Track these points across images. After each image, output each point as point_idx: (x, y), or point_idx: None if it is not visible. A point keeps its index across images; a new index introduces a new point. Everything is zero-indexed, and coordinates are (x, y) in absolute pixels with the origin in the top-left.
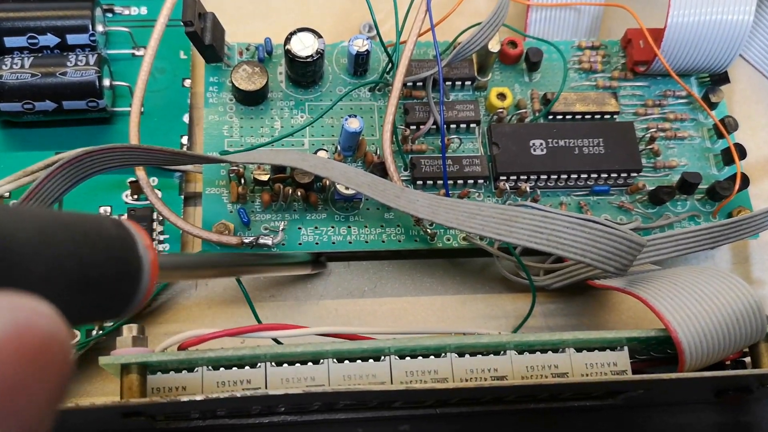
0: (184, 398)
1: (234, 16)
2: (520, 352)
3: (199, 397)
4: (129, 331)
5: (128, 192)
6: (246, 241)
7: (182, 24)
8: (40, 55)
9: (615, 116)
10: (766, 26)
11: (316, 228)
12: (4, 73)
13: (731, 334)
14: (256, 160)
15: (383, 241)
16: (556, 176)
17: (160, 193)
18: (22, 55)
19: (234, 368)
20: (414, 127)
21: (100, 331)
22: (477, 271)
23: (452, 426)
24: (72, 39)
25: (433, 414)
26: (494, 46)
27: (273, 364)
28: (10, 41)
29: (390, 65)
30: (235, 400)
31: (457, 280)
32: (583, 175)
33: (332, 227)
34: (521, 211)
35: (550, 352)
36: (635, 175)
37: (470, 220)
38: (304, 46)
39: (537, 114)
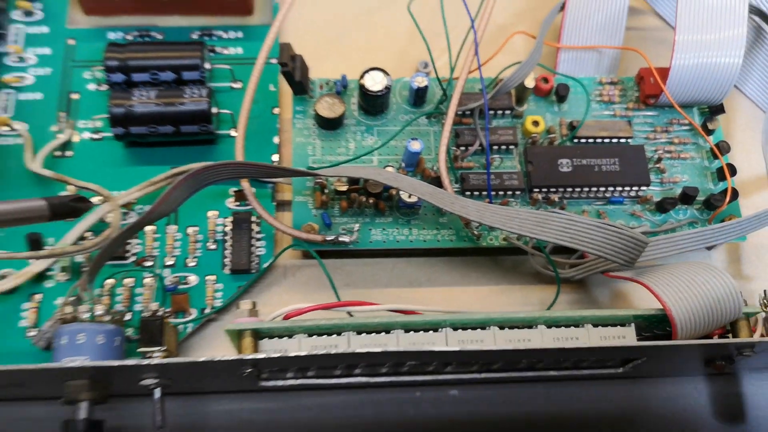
0: (291, 354)
1: (314, 56)
2: (548, 327)
3: (302, 353)
4: (245, 305)
5: (231, 199)
6: (328, 239)
7: (279, 64)
8: (161, 88)
9: (629, 140)
10: (760, 64)
11: (383, 229)
12: (134, 103)
13: (715, 311)
14: (339, 173)
15: (438, 241)
16: (579, 189)
17: None
18: (148, 89)
19: (324, 336)
20: (463, 148)
21: (212, 309)
22: (514, 266)
23: (492, 391)
24: (186, 75)
25: (477, 379)
26: (530, 83)
27: (354, 333)
28: (136, 76)
29: (444, 97)
30: (329, 356)
31: (497, 273)
32: (601, 189)
33: (396, 229)
34: (551, 215)
35: (572, 327)
36: (645, 188)
37: (510, 221)
38: (375, 82)
39: (564, 138)
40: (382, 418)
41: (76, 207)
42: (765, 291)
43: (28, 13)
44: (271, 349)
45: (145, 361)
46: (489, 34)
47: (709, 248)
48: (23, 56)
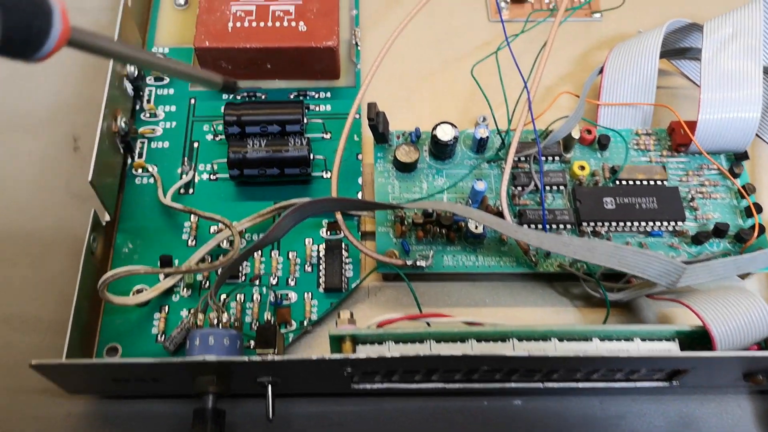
0: (388, 355)
1: (390, 110)
2: (602, 340)
3: (397, 354)
4: (345, 315)
5: (324, 229)
6: (408, 263)
7: (368, 119)
8: (269, 138)
9: (664, 182)
10: None
11: (453, 255)
12: (248, 150)
13: (750, 328)
14: (420, 206)
15: (500, 266)
16: (623, 224)
17: None
18: (259, 139)
19: (409, 342)
20: (520, 188)
21: (309, 321)
22: (567, 290)
23: (552, 402)
24: (289, 128)
25: (539, 389)
26: (575, 133)
27: (434, 341)
28: (249, 129)
29: (502, 145)
30: (417, 358)
31: (552, 296)
32: (642, 223)
33: (465, 255)
34: (600, 243)
35: (623, 340)
36: (681, 223)
37: (565, 247)
38: (445, 133)
39: (607, 180)
40: (454, 424)
41: (233, 87)
42: None
43: (159, 79)
44: (366, 352)
45: (269, 357)
46: (538, 94)
47: (743, 277)
48: (155, 112)
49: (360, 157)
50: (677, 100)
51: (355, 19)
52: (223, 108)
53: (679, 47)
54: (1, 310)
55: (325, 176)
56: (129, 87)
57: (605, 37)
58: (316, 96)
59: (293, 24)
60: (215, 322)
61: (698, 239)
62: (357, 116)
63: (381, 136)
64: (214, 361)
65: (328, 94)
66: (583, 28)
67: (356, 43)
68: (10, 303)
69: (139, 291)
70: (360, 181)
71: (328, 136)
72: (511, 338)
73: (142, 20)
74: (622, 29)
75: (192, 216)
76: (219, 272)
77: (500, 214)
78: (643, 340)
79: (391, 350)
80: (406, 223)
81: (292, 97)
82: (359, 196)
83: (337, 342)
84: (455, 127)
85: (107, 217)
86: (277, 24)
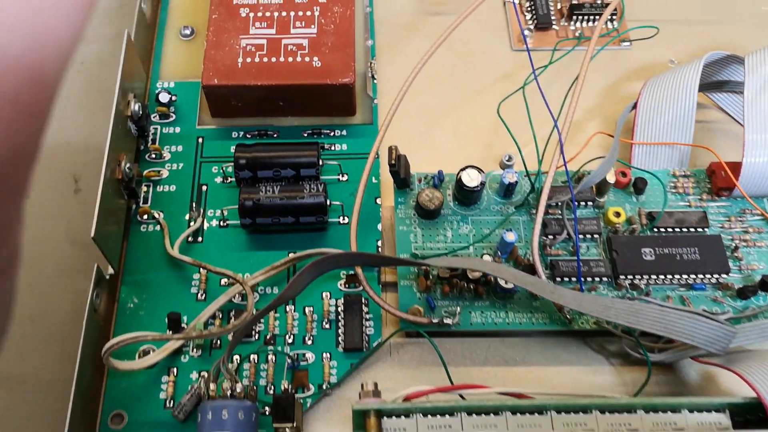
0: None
1: (409, 149)
2: (647, 412)
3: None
4: (369, 385)
5: (342, 281)
6: (434, 321)
7: (388, 165)
8: (283, 183)
9: (705, 229)
10: None
11: (482, 312)
12: (261, 197)
13: None
14: (446, 264)
15: (533, 323)
16: (663, 276)
17: None
18: (272, 184)
19: (438, 416)
20: (551, 237)
21: (329, 384)
22: (604, 347)
23: None
24: (303, 171)
25: None
26: (611, 178)
27: (466, 413)
28: (261, 173)
29: (531, 189)
30: None
31: (588, 354)
32: (683, 276)
33: (494, 312)
34: (644, 306)
35: (669, 412)
36: (725, 276)
37: (607, 311)
38: (471, 179)
39: (644, 227)
40: None
41: None
42: None
43: (164, 116)
44: (392, 427)
45: None
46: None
47: None
48: (160, 153)
49: (379, 201)
50: (714, 136)
51: (371, 49)
52: (233, 148)
53: (716, 80)
54: None
55: (342, 222)
56: (133, 128)
57: (635, 66)
58: (331, 134)
59: (307, 59)
60: (228, 392)
61: (744, 293)
62: (376, 156)
63: (402, 181)
64: None
65: (344, 132)
66: (612, 57)
67: (372, 76)
68: (9, 362)
69: (145, 353)
70: (379, 227)
71: (344, 178)
72: (549, 411)
73: (146, 53)
74: (652, 58)
75: (202, 270)
76: (231, 336)
77: (531, 267)
78: (690, 411)
79: (419, 426)
80: (431, 276)
81: (305, 135)
82: (379, 244)
83: (360, 416)
84: (481, 171)
85: (111, 270)
86: (290, 59)
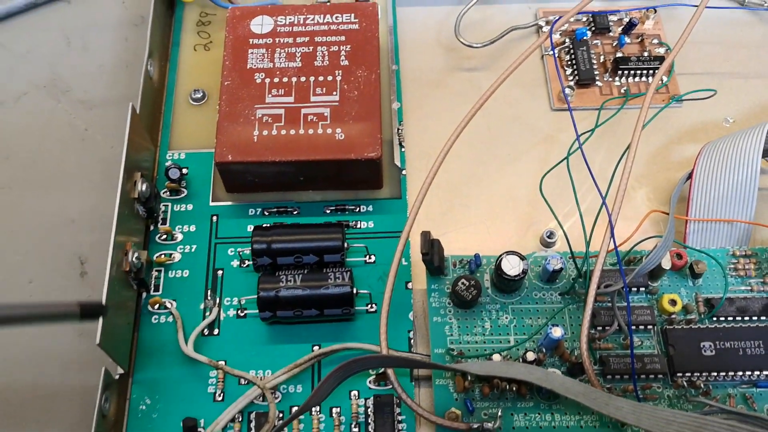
0: None
1: (441, 224)
2: None
3: None
4: None
5: (372, 378)
6: (474, 427)
7: (421, 254)
8: (305, 271)
9: None
10: None
11: (525, 414)
12: (281, 288)
13: None
14: (488, 372)
15: (581, 428)
16: (724, 373)
17: None
18: (293, 272)
19: None
20: (600, 328)
21: None
22: None
23: None
24: (327, 258)
25: None
26: (666, 263)
27: None
28: (281, 260)
29: (577, 275)
30: None
31: None
32: (747, 372)
33: (539, 414)
34: (710, 420)
35: None
36: None
37: (668, 426)
38: (512, 266)
39: (702, 316)
40: None
41: (97, 311)
42: None
43: (175, 192)
44: None
45: None
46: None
47: None
48: (171, 234)
49: (410, 285)
50: None
51: (398, 113)
52: (250, 228)
53: None
54: None
55: (370, 309)
56: (141, 210)
57: (686, 127)
58: (357, 210)
59: (329, 131)
60: None
61: None
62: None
63: (436, 269)
64: None
65: (370, 208)
66: (660, 115)
67: (400, 143)
68: None
69: None
70: (411, 316)
71: (371, 259)
72: None
73: (154, 120)
74: (705, 117)
75: (219, 368)
76: None
77: (580, 366)
78: None
79: None
80: (469, 376)
81: (329, 211)
82: (410, 335)
83: None
84: (523, 258)
85: (120, 371)
86: (311, 131)
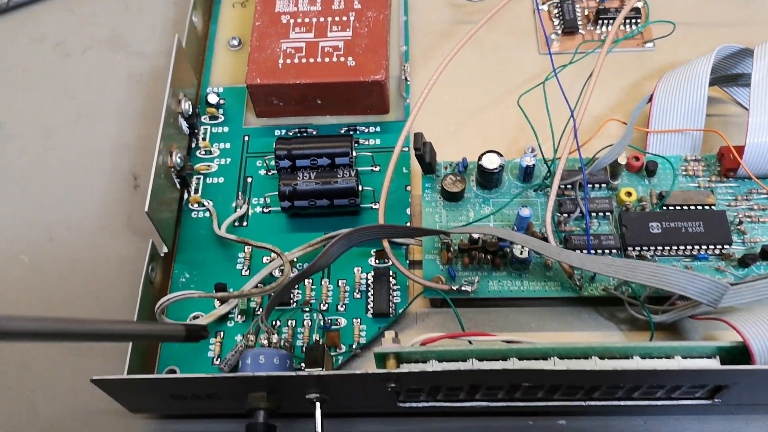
0: (429, 369)
1: (438, 143)
2: (643, 357)
3: (438, 368)
4: (390, 335)
5: (372, 258)
6: (454, 288)
7: (414, 149)
8: (319, 171)
9: (712, 207)
10: None
11: (498, 281)
12: (298, 182)
13: None
14: (465, 231)
15: (545, 291)
16: (668, 247)
17: None
18: (309, 171)
19: (451, 361)
20: (565, 215)
21: (358, 345)
22: (613, 314)
23: (596, 422)
24: (338, 160)
25: (582, 407)
26: (622, 160)
27: (476, 360)
28: (299, 162)
29: (548, 173)
30: (458, 373)
31: (597, 320)
32: (688, 247)
33: (510, 281)
34: (641, 263)
35: (664, 358)
36: (727, 247)
37: (608, 267)
38: (491, 162)
39: (654, 206)
40: None
41: (199, 335)
42: None
43: (213, 117)
44: (409, 368)
45: (315, 372)
46: (586, 123)
47: None
48: (210, 149)
49: (408, 188)
50: (729, 128)
51: (404, 54)
52: (274, 143)
53: (730, 74)
54: None
55: (374, 207)
56: (184, 125)
57: (657, 66)
58: (366, 131)
59: (342, 59)
60: (266, 343)
61: (745, 262)
62: (405, 149)
63: (428, 166)
64: (264, 376)
65: (378, 129)
66: (635, 58)
67: (406, 78)
68: None
69: (195, 317)
70: (408, 211)
71: (377, 168)
72: (552, 356)
73: (198, 62)
74: (674, 58)
75: (246, 247)
76: (270, 296)
77: (545, 240)
78: (683, 357)
79: (435, 369)
80: (452, 250)
81: (342, 132)
82: (407, 225)
83: (381, 359)
84: (501, 155)
85: (165, 249)
86: (327, 60)
